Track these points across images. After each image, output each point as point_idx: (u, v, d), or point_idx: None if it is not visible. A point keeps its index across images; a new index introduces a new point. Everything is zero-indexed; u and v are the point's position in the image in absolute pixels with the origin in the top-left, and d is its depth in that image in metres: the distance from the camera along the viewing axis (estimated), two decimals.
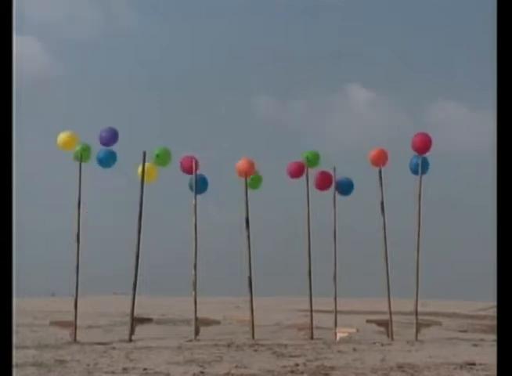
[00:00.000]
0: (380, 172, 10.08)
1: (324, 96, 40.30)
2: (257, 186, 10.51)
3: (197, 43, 41.25)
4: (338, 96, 40.95)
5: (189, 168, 10.17)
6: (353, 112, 40.81)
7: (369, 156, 10.11)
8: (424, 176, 9.95)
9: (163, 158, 10.09)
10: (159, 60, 42.29)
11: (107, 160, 9.97)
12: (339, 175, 10.30)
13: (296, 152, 10.55)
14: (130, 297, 9.67)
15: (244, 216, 10.10)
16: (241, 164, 10.28)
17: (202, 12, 42.76)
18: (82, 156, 9.83)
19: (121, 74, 41.32)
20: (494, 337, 9.47)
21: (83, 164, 9.85)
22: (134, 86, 40.03)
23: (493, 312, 16.61)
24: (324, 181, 10.27)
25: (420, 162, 9.89)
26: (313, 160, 10.22)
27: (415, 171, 9.94)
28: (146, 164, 9.99)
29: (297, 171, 10.22)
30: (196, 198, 10.05)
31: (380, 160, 10.08)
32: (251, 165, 10.32)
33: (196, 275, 9.81)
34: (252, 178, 10.34)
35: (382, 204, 9.95)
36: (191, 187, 10.17)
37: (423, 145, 9.97)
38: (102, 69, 41.33)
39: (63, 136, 9.91)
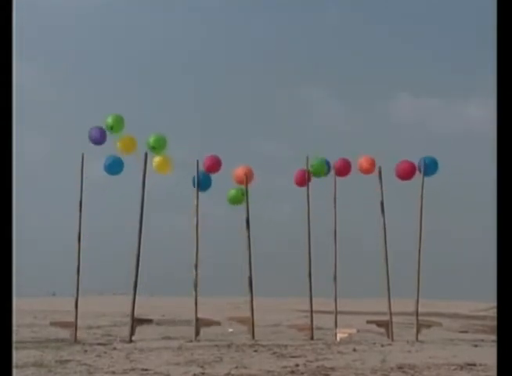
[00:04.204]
0: (379, 172, 10.05)
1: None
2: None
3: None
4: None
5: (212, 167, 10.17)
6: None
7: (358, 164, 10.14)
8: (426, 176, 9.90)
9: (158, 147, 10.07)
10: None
11: (115, 167, 9.93)
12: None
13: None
14: (130, 297, 9.66)
15: (245, 216, 10.09)
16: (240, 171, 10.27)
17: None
18: None
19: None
20: (494, 337, 9.46)
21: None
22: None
23: (494, 312, 16.61)
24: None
25: (423, 164, 9.85)
26: (319, 170, 10.16)
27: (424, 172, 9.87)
28: (162, 157, 9.99)
29: (303, 180, 10.16)
30: (197, 198, 10.04)
31: (368, 168, 10.09)
32: (250, 172, 10.31)
33: (197, 275, 9.80)
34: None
35: (382, 204, 9.94)
36: (194, 184, 10.17)
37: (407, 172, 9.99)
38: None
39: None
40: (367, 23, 41.56)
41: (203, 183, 10.16)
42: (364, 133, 37.40)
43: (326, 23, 41.81)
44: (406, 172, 9.98)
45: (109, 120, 9.87)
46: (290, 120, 39.61)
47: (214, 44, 42.62)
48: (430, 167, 9.94)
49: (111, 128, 9.85)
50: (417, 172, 10.01)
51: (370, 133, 36.83)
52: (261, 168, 10.76)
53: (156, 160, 10.02)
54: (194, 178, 10.16)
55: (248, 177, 10.28)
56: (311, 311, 9.84)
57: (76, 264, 9.54)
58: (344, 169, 10.20)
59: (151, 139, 9.94)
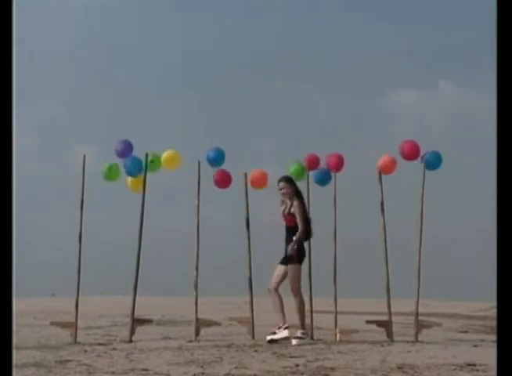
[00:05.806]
0: (379, 171, 10.02)
1: None
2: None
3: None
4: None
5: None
6: None
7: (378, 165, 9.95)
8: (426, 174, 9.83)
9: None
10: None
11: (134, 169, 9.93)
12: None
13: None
14: (130, 297, 9.66)
15: (245, 217, 10.08)
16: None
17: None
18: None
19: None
20: (494, 337, 9.46)
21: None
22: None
23: (493, 312, 16.61)
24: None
25: (424, 161, 9.75)
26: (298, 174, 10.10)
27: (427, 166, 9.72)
28: (169, 152, 10.00)
29: (313, 163, 10.12)
30: (198, 198, 10.02)
31: (388, 168, 9.97)
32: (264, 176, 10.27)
33: (197, 275, 9.79)
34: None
35: (382, 204, 9.92)
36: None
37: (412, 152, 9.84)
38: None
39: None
40: (367, 23, 41.72)
41: (216, 158, 10.04)
42: (364, 130, 37.40)
43: (326, 23, 41.88)
44: (410, 153, 9.80)
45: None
46: (289, 119, 39.64)
47: (214, 43, 42.67)
48: (433, 161, 9.76)
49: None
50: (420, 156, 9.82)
51: (370, 131, 36.82)
52: (261, 168, 10.71)
53: (164, 155, 9.98)
54: (208, 154, 10.05)
55: (261, 181, 10.21)
56: (312, 311, 9.83)
57: (76, 264, 9.54)
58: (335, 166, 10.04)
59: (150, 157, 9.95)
